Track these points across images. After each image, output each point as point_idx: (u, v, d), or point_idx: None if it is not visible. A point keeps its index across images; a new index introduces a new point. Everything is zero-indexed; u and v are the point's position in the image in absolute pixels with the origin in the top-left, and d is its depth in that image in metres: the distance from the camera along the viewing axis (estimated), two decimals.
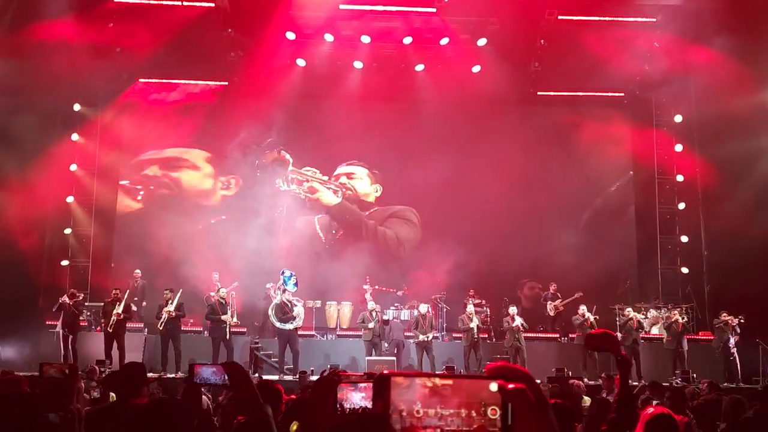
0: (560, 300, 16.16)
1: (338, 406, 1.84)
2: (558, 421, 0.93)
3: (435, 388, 0.87)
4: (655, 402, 6.66)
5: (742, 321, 14.40)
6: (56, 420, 3.70)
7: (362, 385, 1.88)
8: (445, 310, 16.29)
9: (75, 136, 17.80)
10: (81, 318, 14.64)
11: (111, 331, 13.68)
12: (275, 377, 12.86)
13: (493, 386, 0.89)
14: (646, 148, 18.58)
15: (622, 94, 18.82)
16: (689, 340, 15.10)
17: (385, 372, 0.90)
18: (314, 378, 11.77)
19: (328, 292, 16.61)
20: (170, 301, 14.06)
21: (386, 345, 14.70)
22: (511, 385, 0.88)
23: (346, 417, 1.86)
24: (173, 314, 13.96)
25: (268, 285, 15.56)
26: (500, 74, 17.07)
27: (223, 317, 14.16)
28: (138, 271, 16.50)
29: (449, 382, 0.88)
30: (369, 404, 1.83)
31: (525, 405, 0.88)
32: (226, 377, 2.57)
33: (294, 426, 4.81)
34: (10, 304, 14.60)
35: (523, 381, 0.89)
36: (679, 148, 18.26)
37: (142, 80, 17.99)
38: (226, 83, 18.29)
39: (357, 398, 1.83)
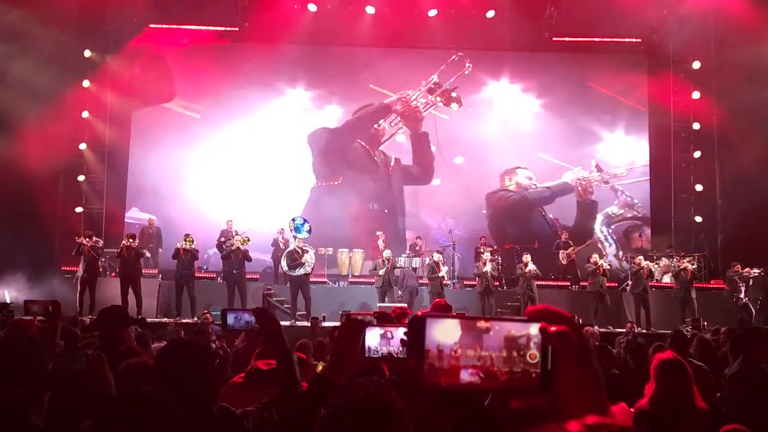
0: (572, 248, 16.08)
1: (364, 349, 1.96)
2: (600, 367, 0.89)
3: (472, 330, 0.85)
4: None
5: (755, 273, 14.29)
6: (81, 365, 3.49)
7: (376, 324, 2.01)
8: (456, 257, 16.33)
9: (86, 83, 17.71)
10: (101, 261, 14.49)
11: (128, 255, 13.41)
12: (287, 323, 13.01)
13: (534, 329, 0.85)
14: (662, 95, 18.24)
15: (640, 40, 18.45)
16: (700, 288, 15.07)
17: (420, 313, 0.87)
18: (326, 324, 11.94)
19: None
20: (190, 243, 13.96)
21: (399, 292, 14.76)
22: (553, 328, 0.85)
23: (373, 361, 1.95)
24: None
25: (276, 231, 15.64)
26: (515, 19, 16.75)
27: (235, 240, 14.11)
28: (154, 217, 16.63)
29: (487, 324, 0.85)
30: (387, 341, 1.93)
31: (567, 349, 0.85)
32: (255, 322, 2.67)
33: (320, 366, 4.95)
34: (25, 252, 14.75)
35: (565, 324, 0.86)
36: (696, 95, 17.89)
37: (152, 26, 17.75)
38: (237, 29, 18.05)
39: (375, 336, 1.93)
